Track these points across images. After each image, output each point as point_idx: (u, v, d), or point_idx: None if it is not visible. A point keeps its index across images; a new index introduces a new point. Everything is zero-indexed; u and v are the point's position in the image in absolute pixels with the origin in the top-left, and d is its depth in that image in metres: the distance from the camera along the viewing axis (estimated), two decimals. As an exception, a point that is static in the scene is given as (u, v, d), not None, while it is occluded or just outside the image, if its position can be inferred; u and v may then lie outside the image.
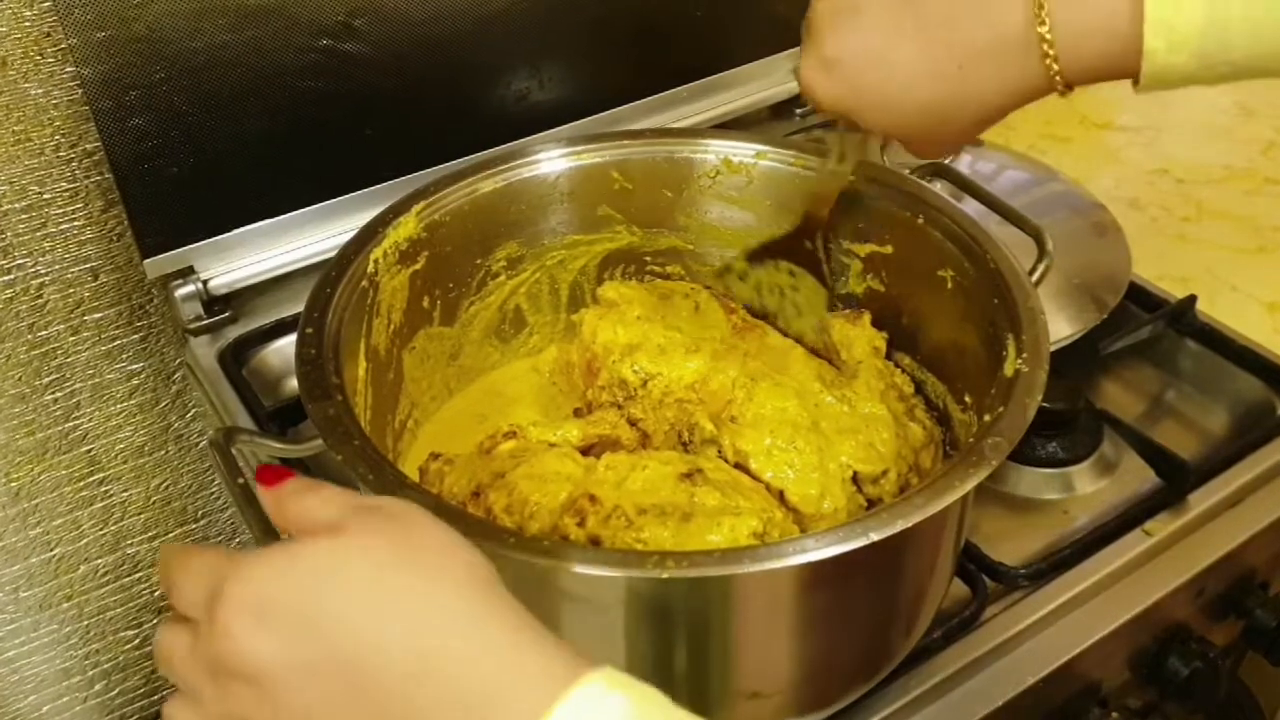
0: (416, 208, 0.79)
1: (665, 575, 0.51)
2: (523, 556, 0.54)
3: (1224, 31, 0.58)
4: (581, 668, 0.42)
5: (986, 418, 0.61)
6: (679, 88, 1.13)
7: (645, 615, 0.58)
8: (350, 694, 0.42)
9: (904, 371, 0.80)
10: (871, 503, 0.72)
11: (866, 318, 0.79)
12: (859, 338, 0.78)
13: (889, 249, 0.80)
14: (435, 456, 0.74)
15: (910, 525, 0.54)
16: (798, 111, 1.21)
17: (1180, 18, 0.58)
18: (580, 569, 0.53)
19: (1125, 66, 0.60)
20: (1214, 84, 0.61)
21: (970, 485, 0.57)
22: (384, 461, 0.59)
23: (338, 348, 0.68)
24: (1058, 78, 0.62)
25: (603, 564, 0.54)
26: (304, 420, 0.87)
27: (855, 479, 0.71)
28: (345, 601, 0.43)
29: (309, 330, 0.67)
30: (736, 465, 0.72)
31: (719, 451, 0.73)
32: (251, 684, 0.43)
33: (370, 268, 0.74)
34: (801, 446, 0.71)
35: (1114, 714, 0.82)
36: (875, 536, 0.53)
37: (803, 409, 0.74)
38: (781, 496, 0.70)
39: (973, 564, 0.77)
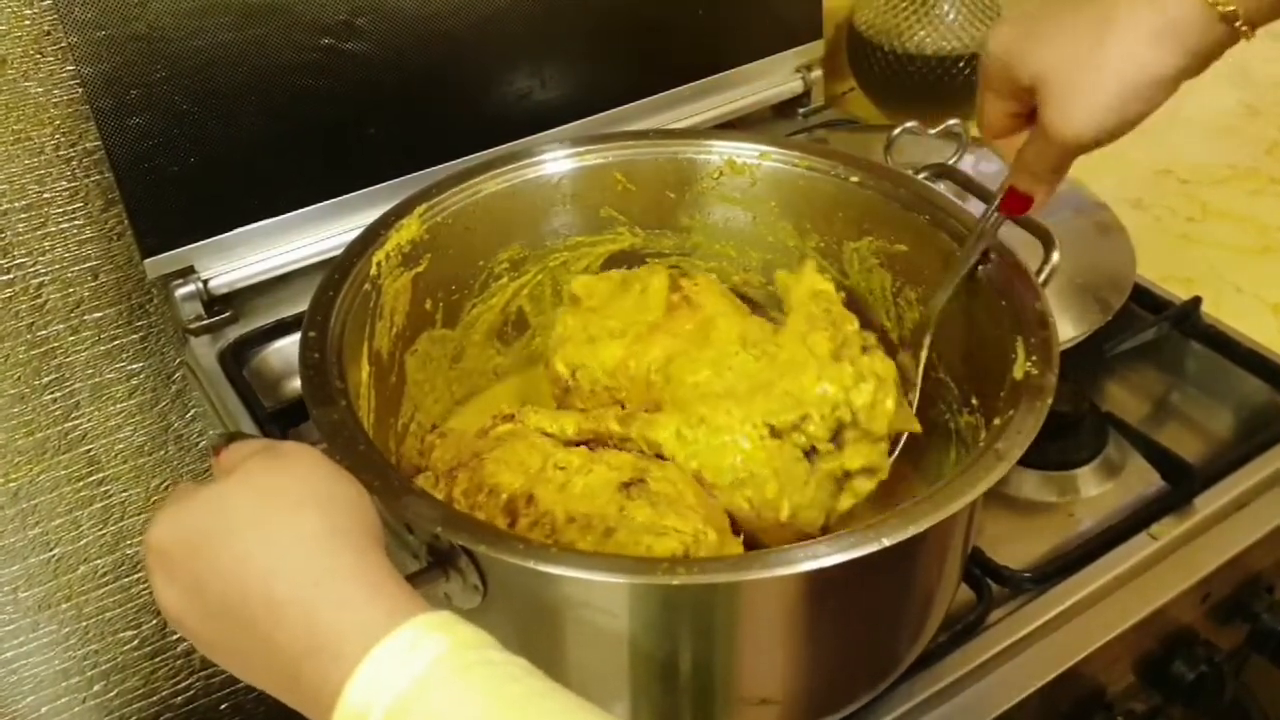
0: (419, 209, 0.78)
1: (676, 582, 0.51)
2: (531, 564, 0.53)
3: None
4: (411, 614, 0.47)
5: (997, 421, 0.61)
6: (681, 87, 1.12)
7: (654, 622, 0.58)
8: (238, 633, 0.49)
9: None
10: (808, 453, 0.70)
11: (810, 264, 0.77)
12: (795, 284, 0.76)
13: (902, 248, 0.80)
14: (434, 428, 0.74)
15: (922, 530, 0.54)
16: (800, 111, 1.21)
17: None
18: (589, 576, 0.53)
19: None
20: None
21: (982, 489, 0.56)
22: (388, 467, 0.59)
23: (341, 351, 0.67)
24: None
25: (612, 571, 0.54)
26: (305, 421, 0.87)
27: (775, 432, 0.69)
28: (224, 552, 0.50)
29: (312, 334, 0.67)
30: (658, 456, 0.71)
31: (641, 450, 0.72)
32: (173, 623, 0.52)
33: (373, 270, 0.74)
34: (711, 418, 0.70)
35: (1119, 718, 0.81)
36: (887, 541, 0.53)
37: (717, 377, 0.72)
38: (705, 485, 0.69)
39: (977, 568, 0.76)
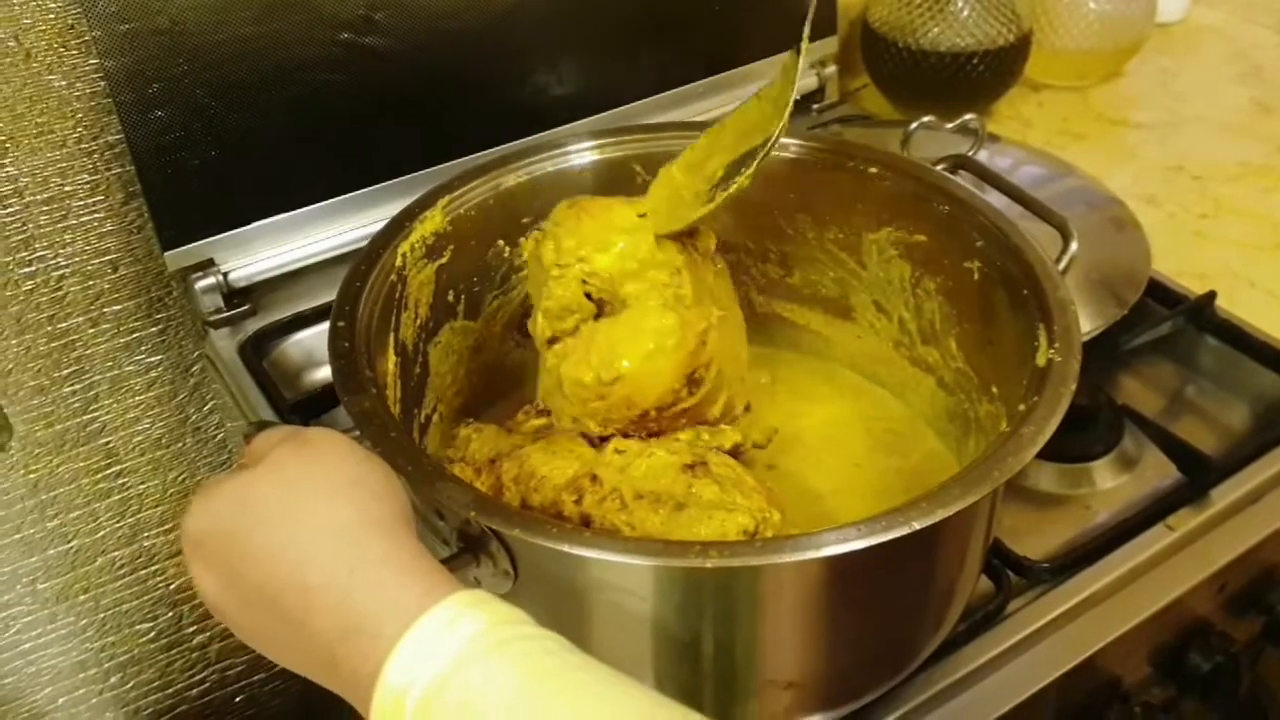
0: (442, 201, 0.78)
1: (709, 565, 0.51)
2: (565, 548, 0.54)
3: None
4: (446, 593, 0.48)
5: (1021, 407, 0.61)
6: (696, 82, 1.13)
7: (686, 605, 0.58)
8: (275, 621, 0.50)
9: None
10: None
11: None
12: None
13: (920, 238, 0.80)
14: (468, 422, 0.75)
15: (951, 513, 0.54)
16: (814, 107, 1.21)
17: None
18: (623, 559, 0.53)
19: None
20: None
21: (1011, 472, 0.57)
22: (420, 453, 0.59)
23: (369, 341, 0.68)
24: None
25: (645, 554, 0.54)
26: (326, 412, 0.87)
27: None
28: (256, 543, 0.51)
29: (341, 323, 0.67)
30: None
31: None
32: (213, 612, 0.54)
33: (398, 261, 0.74)
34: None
35: (1135, 709, 0.82)
36: (917, 525, 0.53)
37: None
38: None
39: (997, 558, 0.77)
